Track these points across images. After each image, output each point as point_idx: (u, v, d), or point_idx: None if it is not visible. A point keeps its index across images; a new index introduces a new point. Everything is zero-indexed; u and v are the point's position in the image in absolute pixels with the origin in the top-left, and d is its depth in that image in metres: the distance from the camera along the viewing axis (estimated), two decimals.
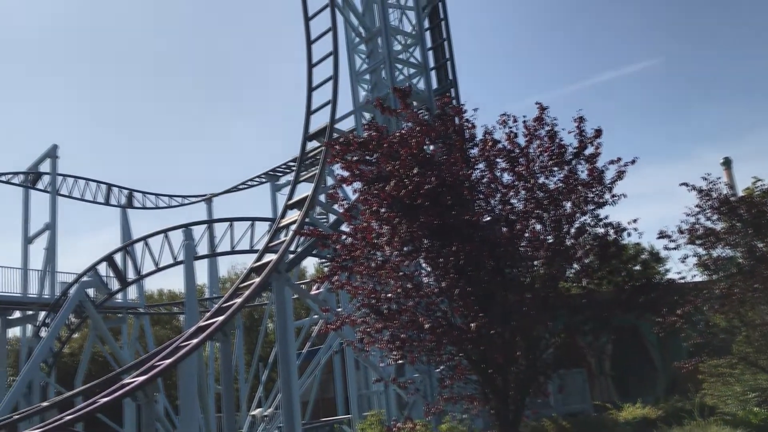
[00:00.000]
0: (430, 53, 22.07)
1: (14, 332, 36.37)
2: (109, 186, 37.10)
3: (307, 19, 21.15)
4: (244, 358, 33.94)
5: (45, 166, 33.70)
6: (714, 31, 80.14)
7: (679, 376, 18.55)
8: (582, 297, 9.62)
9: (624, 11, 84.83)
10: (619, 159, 9.51)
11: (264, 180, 37.00)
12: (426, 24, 22.20)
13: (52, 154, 33.24)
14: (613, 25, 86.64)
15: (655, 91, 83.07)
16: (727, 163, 25.89)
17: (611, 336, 10.83)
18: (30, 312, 30.17)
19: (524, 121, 9.69)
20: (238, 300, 17.67)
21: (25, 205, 33.52)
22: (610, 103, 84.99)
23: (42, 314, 28.76)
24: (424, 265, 9.87)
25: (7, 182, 33.73)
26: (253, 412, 27.96)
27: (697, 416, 14.92)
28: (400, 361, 9.72)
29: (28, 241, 33.02)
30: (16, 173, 33.98)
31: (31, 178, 33.86)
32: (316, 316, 26.72)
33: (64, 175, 34.88)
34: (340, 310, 20.83)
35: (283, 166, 35.27)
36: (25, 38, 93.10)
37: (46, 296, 30.44)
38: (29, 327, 30.41)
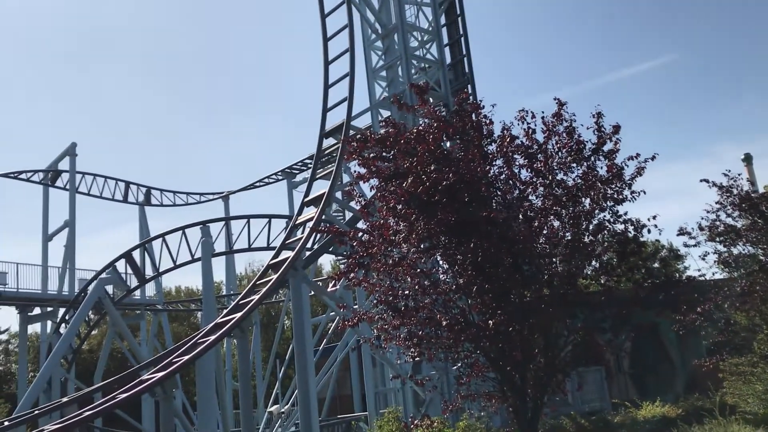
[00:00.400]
0: (447, 49, 22.00)
1: (34, 328, 36.81)
2: (127, 184, 37.37)
3: (324, 16, 21.16)
4: (261, 354, 34.06)
5: (64, 164, 34.01)
6: (732, 26, 79.21)
7: (699, 375, 18.36)
8: (601, 294, 9.54)
9: (641, 7, 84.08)
10: (638, 155, 9.40)
11: (281, 177, 37.09)
12: (443, 20, 22.14)
13: (71, 152, 33.52)
14: (629, 21, 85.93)
15: (673, 87, 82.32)
16: (747, 160, 25.54)
17: (630, 334, 10.74)
18: (50, 308, 30.49)
19: (542, 117, 9.62)
20: (255, 297, 17.72)
21: (44, 202, 33.84)
22: (628, 99, 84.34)
23: (61, 311, 29.04)
24: (441, 262, 9.83)
25: (28, 180, 34.07)
26: (270, 409, 28.07)
27: (718, 415, 14.75)
28: (417, 359, 9.66)
29: (47, 238, 33.33)
30: (36, 171, 34.33)
31: (50, 176, 34.17)
32: (332, 313, 26.74)
33: (82, 173, 35.18)
34: (356, 307, 20.86)
35: (300, 164, 35.34)
36: (44, 38, 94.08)
37: (66, 293, 30.73)
38: (49, 323, 30.74)
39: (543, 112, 9.64)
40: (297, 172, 36.17)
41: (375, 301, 9.77)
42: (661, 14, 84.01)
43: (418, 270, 9.28)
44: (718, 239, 13.79)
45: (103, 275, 26.04)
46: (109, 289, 26.54)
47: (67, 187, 33.55)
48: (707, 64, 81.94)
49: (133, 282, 27.33)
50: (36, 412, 18.07)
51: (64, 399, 19.39)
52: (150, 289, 33.91)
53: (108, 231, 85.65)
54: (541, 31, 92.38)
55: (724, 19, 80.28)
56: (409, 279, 9.37)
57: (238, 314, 17.12)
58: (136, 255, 26.58)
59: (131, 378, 17.29)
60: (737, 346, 15.30)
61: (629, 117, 79.09)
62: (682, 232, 13.58)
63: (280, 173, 36.75)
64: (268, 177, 37.71)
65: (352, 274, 9.78)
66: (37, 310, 30.85)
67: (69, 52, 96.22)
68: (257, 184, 38.68)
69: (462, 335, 8.91)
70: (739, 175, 13.95)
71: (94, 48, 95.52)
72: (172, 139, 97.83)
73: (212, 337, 16.48)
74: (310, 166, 30.21)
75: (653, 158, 9.36)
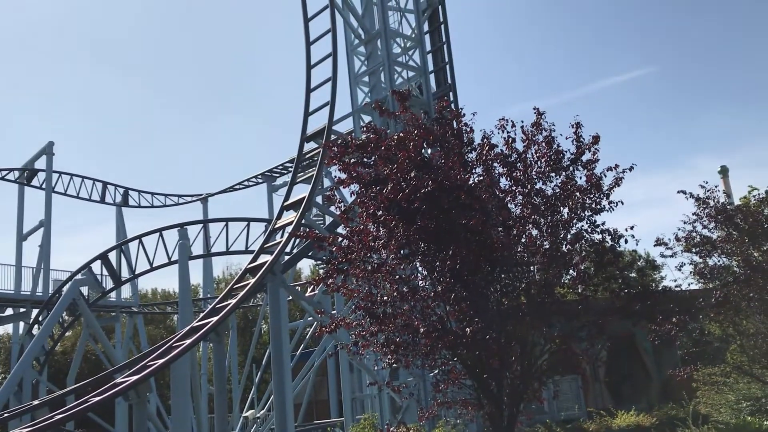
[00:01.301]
0: (430, 56, 22.06)
1: (6, 329, 36.27)
2: (105, 184, 36.99)
3: (307, 20, 21.12)
4: (237, 358, 33.87)
5: (41, 163, 33.60)
6: (709, 39, 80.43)
7: (673, 384, 18.52)
8: (578, 303, 9.61)
9: (619, 20, 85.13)
10: (617, 166, 9.49)
11: (261, 180, 36.93)
12: (425, 27, 22.20)
13: (48, 151, 33.12)
14: (608, 33, 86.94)
15: (651, 99, 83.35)
16: (724, 172, 25.93)
17: (606, 343, 10.81)
18: (23, 309, 30.05)
19: (522, 126, 9.68)
20: (233, 301, 17.61)
21: (20, 202, 33.35)
22: (607, 110, 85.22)
23: (35, 312, 28.64)
24: (420, 268, 9.83)
25: (2, 179, 33.58)
26: (245, 414, 27.89)
27: (691, 424, 14.90)
28: (394, 365, 9.64)
29: (22, 238, 32.85)
30: (11, 170, 33.85)
31: (26, 175, 33.72)
32: (310, 318, 26.65)
33: (59, 173, 34.77)
34: (334, 312, 20.79)
35: (280, 167, 35.21)
36: (22, 35, 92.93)
37: (39, 294, 30.32)
38: (21, 324, 30.29)
39: (522, 122, 9.72)
40: (277, 175, 36.04)
41: (353, 307, 9.74)
42: (639, 26, 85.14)
43: (397, 276, 9.28)
44: (694, 250, 13.91)
45: (79, 276, 25.75)
46: (84, 290, 26.26)
47: (43, 186, 33.15)
48: (685, 77, 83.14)
49: (109, 284, 27.05)
50: (6, 415, 17.78)
51: (36, 402, 19.11)
52: (126, 290, 33.60)
53: (84, 232, 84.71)
54: (522, 41, 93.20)
55: (703, 32, 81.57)
56: (387, 285, 9.36)
57: (215, 318, 17.00)
58: (113, 256, 26.32)
59: (105, 381, 17.09)
60: (711, 357, 15.46)
61: (608, 127, 79.89)
62: (659, 242, 13.70)
63: (260, 176, 36.59)
64: (247, 180, 37.54)
65: (330, 280, 9.75)
66: (9, 311, 30.39)
67: (47, 49, 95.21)
68: (237, 186, 38.49)
69: (439, 342, 8.91)
70: (715, 187, 14.10)
71: (72, 46, 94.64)
72: (151, 139, 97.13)
73: (188, 341, 16.34)
74: (290, 169, 30.11)
75: (631, 169, 9.46)
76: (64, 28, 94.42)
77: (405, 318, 9.09)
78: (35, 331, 26.79)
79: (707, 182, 13.85)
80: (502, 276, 9.34)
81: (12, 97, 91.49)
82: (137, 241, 25.62)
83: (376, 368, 17.90)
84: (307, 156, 21.88)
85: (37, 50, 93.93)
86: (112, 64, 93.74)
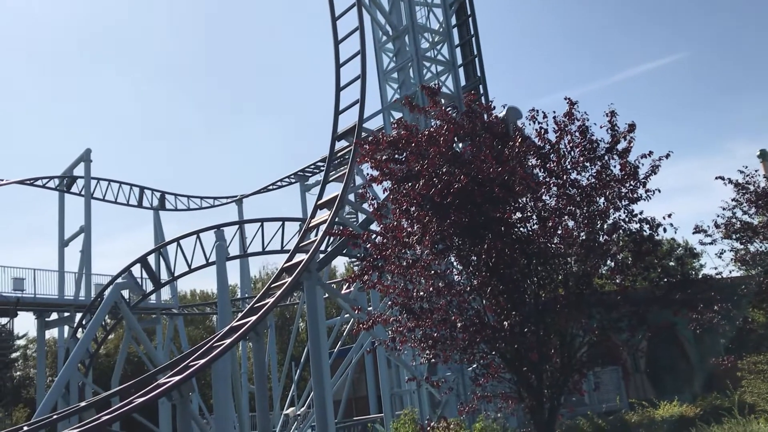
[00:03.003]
0: (458, 50, 21.97)
1: (52, 334, 37.12)
2: (142, 189, 37.62)
3: (334, 19, 21.18)
4: (276, 357, 34.23)
5: (79, 170, 34.29)
6: (744, 21, 78.52)
7: (717, 373, 18.22)
8: (616, 294, 9.48)
9: (652, 4, 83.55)
10: (651, 153, 9.32)
11: (293, 180, 37.22)
12: (453, 21, 22.11)
13: (85, 158, 33.81)
14: (641, 19, 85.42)
15: (683, 85, 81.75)
16: (763, 156, 25.26)
17: (646, 333, 10.66)
18: (67, 314, 30.76)
19: (554, 117, 9.58)
20: (270, 300, 17.77)
21: (60, 208, 34.13)
22: (641, 97, 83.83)
23: (78, 316, 29.28)
24: (455, 263, 9.81)
25: (43, 186, 34.38)
26: (286, 411, 28.16)
27: (737, 414, 14.61)
28: (432, 360, 9.65)
29: (63, 244, 33.61)
30: (51, 178, 34.62)
31: (66, 183, 34.47)
32: (347, 315, 26.79)
33: (97, 179, 35.46)
34: (371, 308, 20.87)
35: (312, 166, 35.44)
36: (58, 45, 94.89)
37: (82, 298, 30.99)
38: (66, 328, 31.00)
39: (554, 112, 9.61)
40: (309, 174, 36.28)
41: (389, 303, 9.77)
42: (672, 11, 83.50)
43: (432, 272, 9.27)
44: (734, 236, 13.67)
45: (119, 280, 26.19)
46: (125, 293, 26.70)
47: (83, 193, 33.84)
48: (719, 61, 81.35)
49: (149, 286, 27.47)
50: (54, 416, 18.20)
51: (82, 403, 19.53)
52: (165, 293, 34.16)
53: (123, 236, 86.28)
54: (551, 31, 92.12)
55: (736, 15, 79.64)
56: (423, 281, 9.37)
57: (253, 317, 17.18)
58: (151, 259, 26.72)
59: (148, 382, 17.38)
60: (755, 344, 15.16)
61: (640, 115, 78.63)
62: (697, 230, 13.48)
63: (292, 176, 36.88)
64: (281, 180, 37.85)
65: (366, 277, 9.79)
66: (54, 316, 31.15)
67: (82, 58, 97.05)
68: (270, 187, 38.83)
69: (477, 336, 8.89)
70: (755, 171, 13.82)
71: (107, 53, 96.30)
72: (185, 143, 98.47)
73: (228, 341, 16.55)
74: (322, 168, 30.28)
75: (667, 156, 9.29)
76: (98, 36, 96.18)
77: (442, 313, 9.08)
78: (79, 334, 27.36)
79: (746, 167, 13.59)
80: (539, 268, 9.27)
81: (50, 107, 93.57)
82: (175, 243, 25.98)
83: (414, 363, 17.94)
84: (339, 154, 21.98)
85: (72, 59, 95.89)
86: (145, 70, 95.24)
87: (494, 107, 10.25)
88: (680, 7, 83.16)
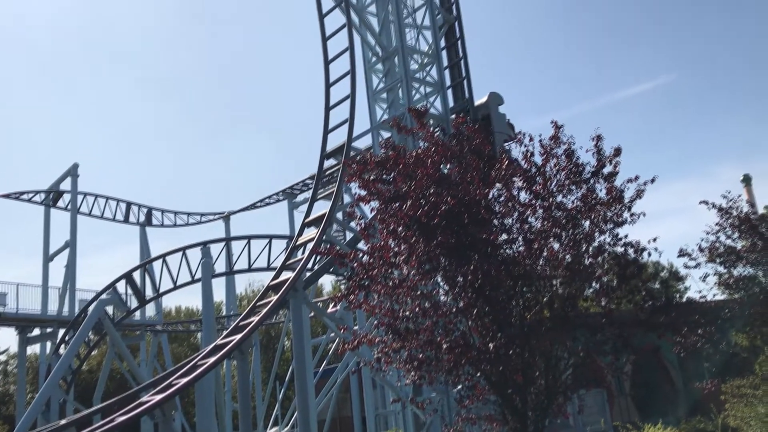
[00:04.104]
0: (447, 72, 22.15)
1: (34, 349, 36.70)
2: (129, 204, 37.43)
3: (325, 40, 21.32)
4: (261, 375, 33.94)
5: (65, 185, 34.09)
6: (729, 46, 79.78)
7: (701, 397, 18.27)
8: (601, 316, 9.53)
9: (637, 29, 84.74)
10: (637, 177, 9.45)
11: (281, 198, 37.16)
12: (442, 43, 22.31)
13: (72, 172, 33.62)
14: (627, 42, 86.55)
15: (669, 108, 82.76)
16: (747, 180, 25.66)
17: (631, 356, 10.70)
18: (49, 329, 30.39)
19: (540, 140, 9.68)
20: (255, 318, 17.69)
21: (45, 223, 33.84)
22: (627, 120, 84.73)
23: (61, 331, 28.96)
24: (441, 283, 9.83)
25: (29, 201, 34.13)
26: (270, 431, 27.90)
27: None
28: (417, 381, 9.63)
29: (48, 258, 33.31)
30: (37, 192, 34.39)
31: (52, 197, 34.23)
32: (332, 334, 26.66)
33: (84, 194, 35.26)
34: (356, 328, 20.81)
35: (301, 184, 35.43)
36: (45, 58, 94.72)
37: (66, 314, 30.66)
38: (48, 344, 30.63)
39: (540, 135, 9.73)
40: (298, 192, 36.25)
41: (375, 323, 9.76)
42: (658, 35, 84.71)
43: (419, 292, 9.29)
44: (718, 260, 13.81)
45: (104, 296, 26.01)
46: (110, 309, 26.50)
47: (69, 207, 33.61)
48: (705, 85, 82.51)
49: (134, 303, 27.28)
50: None
51: (63, 421, 19.26)
52: (150, 309, 33.85)
53: (109, 251, 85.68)
54: (538, 54, 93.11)
55: (722, 40, 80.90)
56: (409, 301, 9.37)
57: (238, 336, 17.09)
58: (137, 276, 26.56)
59: (130, 400, 17.21)
60: (738, 368, 15.24)
61: (626, 137, 79.52)
62: (682, 253, 13.62)
63: (280, 193, 36.84)
64: (269, 197, 37.80)
65: (352, 296, 9.79)
66: (36, 331, 30.75)
67: (69, 71, 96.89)
68: (258, 204, 38.76)
69: (462, 358, 8.90)
70: (738, 196, 14.03)
71: (95, 68, 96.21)
72: (173, 158, 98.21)
73: (212, 359, 16.44)
74: (310, 186, 30.27)
75: (653, 181, 9.41)
76: (87, 50, 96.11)
77: (428, 334, 9.09)
78: (62, 350, 27.08)
79: (729, 192, 13.78)
80: (525, 290, 9.32)
81: (36, 120, 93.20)
82: (161, 260, 25.86)
83: (399, 384, 17.86)
84: (327, 172, 22.01)
85: (59, 72, 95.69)
86: (134, 84, 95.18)
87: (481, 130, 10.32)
88: (665, 32, 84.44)
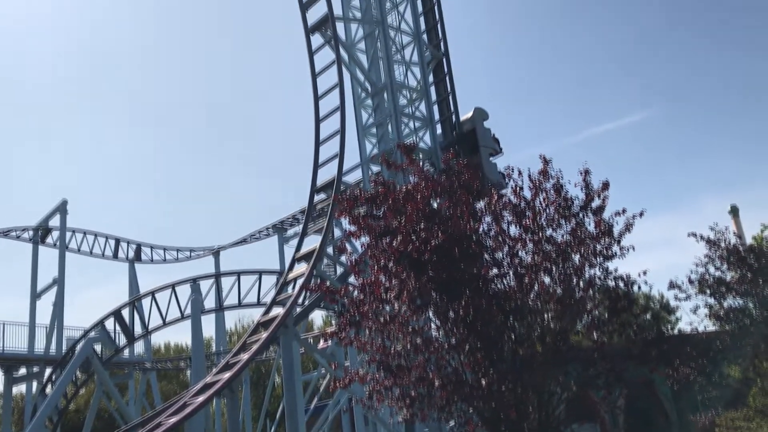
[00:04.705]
0: (435, 107, 22.36)
1: (20, 389, 36.10)
2: (118, 240, 37.28)
3: (315, 76, 21.52)
4: (251, 412, 33.51)
5: (54, 222, 33.94)
6: (710, 77, 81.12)
7: (696, 430, 18.14)
8: (593, 350, 9.51)
9: (619, 64, 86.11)
10: (624, 210, 9.54)
11: (272, 232, 37.09)
12: (431, 79, 22.56)
13: (61, 209, 33.50)
14: (609, 77, 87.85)
15: (654, 141, 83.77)
16: (734, 211, 25.86)
17: (624, 389, 10.66)
18: (36, 369, 29.96)
19: (529, 175, 9.76)
20: (246, 356, 17.52)
21: (33, 260, 33.61)
22: (611, 152, 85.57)
23: (48, 371, 28.55)
24: (433, 319, 9.79)
25: (17, 238, 33.91)
26: None
27: None
28: (410, 418, 9.52)
29: (35, 296, 32.99)
30: (26, 229, 34.21)
31: (40, 234, 34.04)
32: (324, 370, 26.41)
33: (73, 230, 35.10)
34: (347, 364, 20.62)
35: (291, 218, 35.42)
36: (34, 94, 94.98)
37: (53, 352, 30.27)
38: (35, 383, 30.16)
39: (529, 169, 9.82)
40: (288, 226, 36.21)
41: (367, 359, 9.69)
42: (639, 69, 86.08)
43: (410, 328, 9.24)
44: (708, 292, 13.84)
45: (92, 334, 25.74)
46: (98, 347, 26.20)
47: (57, 244, 33.41)
48: (687, 118, 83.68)
49: (122, 340, 26.99)
50: None
51: None
52: (139, 346, 33.49)
53: (97, 287, 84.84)
54: (525, 87, 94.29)
55: (705, 72, 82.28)
56: (401, 337, 9.32)
57: (228, 374, 16.90)
58: (125, 313, 26.32)
59: None
60: (732, 400, 15.18)
61: (612, 170, 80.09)
62: (672, 285, 13.65)
63: (271, 228, 36.78)
64: (259, 232, 37.72)
65: (343, 334, 9.73)
66: (22, 371, 30.32)
67: (58, 107, 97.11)
68: (248, 239, 38.65)
69: (455, 395, 8.83)
70: (726, 228, 14.11)
71: (83, 104, 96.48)
72: (162, 194, 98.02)
73: (201, 398, 16.23)
74: (301, 220, 30.26)
75: (641, 214, 9.51)
76: (75, 85, 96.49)
77: (420, 370, 9.02)
78: (48, 390, 26.66)
79: (717, 224, 13.88)
80: (516, 325, 9.29)
81: (25, 157, 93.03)
82: (150, 296, 25.66)
83: (392, 421, 17.65)
84: (318, 207, 22.02)
85: (47, 108, 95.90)
86: (123, 119, 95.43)
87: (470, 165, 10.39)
88: (650, 64, 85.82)
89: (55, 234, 33.81)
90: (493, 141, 21.66)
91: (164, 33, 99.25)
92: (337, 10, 21.49)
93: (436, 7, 23.06)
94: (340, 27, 21.46)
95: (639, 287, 9.44)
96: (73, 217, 35.55)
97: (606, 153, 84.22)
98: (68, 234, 34.15)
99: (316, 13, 21.39)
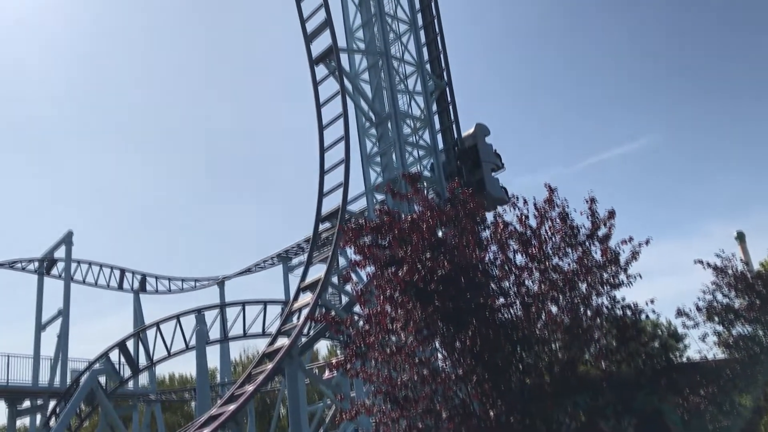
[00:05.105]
0: (439, 135, 22.50)
1: (23, 422, 35.80)
2: (123, 271, 37.31)
3: (319, 106, 21.69)
4: None
5: (60, 253, 33.98)
6: (715, 103, 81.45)
7: None
8: (602, 380, 9.41)
9: (622, 89, 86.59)
10: (631, 239, 9.51)
11: (276, 261, 37.11)
12: (434, 108, 22.72)
13: (67, 240, 33.58)
14: (613, 102, 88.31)
15: (657, 167, 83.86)
16: (740, 237, 25.74)
17: (633, 419, 10.52)
18: (40, 401, 29.76)
19: (534, 203, 9.76)
20: (251, 387, 17.40)
21: (39, 292, 33.57)
22: (616, 179, 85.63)
23: (52, 403, 28.36)
24: (440, 349, 9.72)
25: (22, 269, 33.94)
26: None
27: None
28: None
29: (40, 328, 32.91)
30: (31, 260, 34.25)
31: (45, 265, 34.07)
32: (329, 401, 26.17)
33: (78, 261, 35.14)
34: (353, 395, 20.44)
35: (296, 247, 35.45)
36: (39, 127, 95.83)
37: (57, 384, 30.09)
38: (39, 416, 29.93)
39: (534, 198, 9.81)
40: (293, 255, 36.24)
41: (373, 391, 9.59)
42: (643, 94, 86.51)
43: (417, 359, 9.16)
44: (716, 319, 13.72)
45: (96, 366, 25.62)
46: (102, 379, 26.05)
47: (62, 275, 33.42)
48: (690, 143, 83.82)
49: (127, 372, 26.85)
50: None
51: None
52: (143, 377, 33.28)
53: (102, 318, 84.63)
54: (527, 116, 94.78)
55: (706, 97, 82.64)
56: (407, 368, 9.23)
57: (233, 405, 16.77)
58: (130, 344, 26.23)
59: None
60: (744, 430, 14.93)
61: (616, 197, 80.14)
62: (680, 313, 13.53)
63: (275, 257, 36.81)
64: (263, 261, 37.76)
65: (349, 365, 9.64)
66: (26, 403, 30.10)
67: (63, 138, 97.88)
68: (253, 268, 38.66)
69: (463, 426, 8.71)
70: (732, 254, 14.03)
71: (88, 136, 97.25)
72: (168, 223, 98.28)
73: (206, 430, 16.09)
74: (305, 249, 30.26)
75: (647, 242, 9.47)
76: (80, 117, 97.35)
77: (427, 402, 8.92)
78: (52, 422, 26.46)
79: (723, 251, 13.79)
80: (524, 355, 9.21)
81: (31, 189, 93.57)
82: (155, 327, 25.59)
83: None
84: (323, 236, 22.04)
85: (52, 139, 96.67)
86: (128, 150, 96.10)
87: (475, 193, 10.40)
88: (651, 91, 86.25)
89: (61, 265, 33.84)
90: (495, 156, 21.91)
91: (167, 63, 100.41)
92: (341, 42, 21.77)
93: (438, 38, 23.33)
94: (344, 58, 21.69)
95: (647, 316, 9.37)
96: (78, 248, 35.73)
97: (610, 179, 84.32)
98: (73, 265, 34.19)
99: (320, 45, 21.69)
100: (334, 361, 13.67)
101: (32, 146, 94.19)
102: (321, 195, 20.98)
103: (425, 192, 11.52)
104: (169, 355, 25.09)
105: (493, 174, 21.70)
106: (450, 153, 22.19)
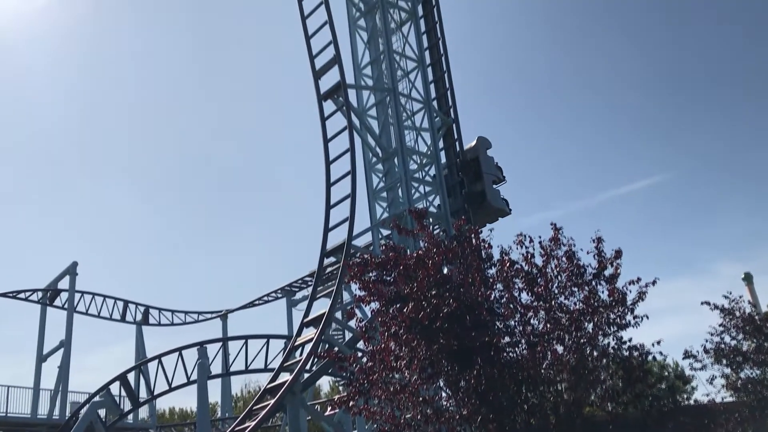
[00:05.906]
0: (446, 171, 22.58)
1: None
2: (126, 303, 37.18)
3: (326, 141, 21.81)
4: None
5: (63, 284, 33.92)
6: (723, 142, 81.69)
7: None
8: (608, 422, 9.29)
9: (631, 128, 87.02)
10: (639, 279, 9.46)
11: (280, 296, 36.93)
12: (441, 144, 22.85)
13: (71, 271, 33.51)
14: (622, 142, 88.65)
15: (666, 206, 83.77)
16: (748, 279, 25.48)
17: None
18: None
19: (540, 242, 9.74)
20: (251, 424, 17.21)
21: (41, 322, 33.42)
22: (625, 217, 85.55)
23: None
24: (444, 388, 9.61)
25: (26, 299, 33.86)
26: None
27: None
28: None
29: (41, 359, 32.69)
30: (35, 291, 34.18)
31: (49, 296, 33.99)
32: None
33: (81, 292, 35.03)
34: (356, 431, 20.15)
35: (300, 281, 35.29)
36: (43, 158, 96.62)
37: (56, 417, 29.76)
38: None
39: (540, 237, 9.80)
40: (297, 290, 36.06)
41: (376, 429, 9.47)
42: (653, 134, 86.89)
43: (421, 398, 9.06)
44: (724, 362, 13.55)
45: (96, 398, 25.34)
46: (102, 412, 25.75)
47: (66, 306, 33.30)
48: (699, 182, 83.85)
49: (127, 405, 26.55)
50: None
51: None
52: (144, 410, 32.92)
53: (104, 350, 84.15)
54: (535, 152, 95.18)
55: (715, 135, 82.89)
56: (411, 406, 9.13)
57: None
58: (131, 377, 26.01)
59: None
60: None
61: (623, 236, 79.94)
62: (687, 355, 13.37)
63: (279, 291, 36.64)
64: (267, 295, 37.57)
65: (352, 403, 9.54)
66: None
67: (68, 172, 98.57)
68: (256, 302, 38.48)
69: None
70: (740, 297, 13.90)
71: (92, 169, 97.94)
72: (172, 256, 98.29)
73: None
74: (310, 284, 30.15)
75: (654, 283, 9.41)
76: (84, 147, 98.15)
77: None
78: None
79: (731, 292, 13.68)
80: (529, 395, 9.10)
81: (35, 220, 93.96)
82: (156, 360, 25.39)
83: None
84: (327, 270, 21.97)
85: (57, 170, 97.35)
86: (132, 182, 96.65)
87: (481, 231, 10.39)
88: (662, 130, 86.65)
89: (64, 296, 33.73)
90: (497, 169, 22.17)
91: (175, 94, 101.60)
92: (350, 79, 21.97)
93: (446, 76, 23.56)
94: (351, 94, 21.88)
95: (654, 358, 9.27)
96: (82, 279, 35.69)
97: (617, 217, 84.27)
98: (77, 296, 34.08)
99: (328, 81, 21.89)
100: (336, 397, 13.53)
101: (38, 177, 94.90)
102: (326, 229, 20.96)
103: (431, 228, 11.50)
104: (171, 388, 24.84)
105: (494, 186, 22.04)
106: (456, 189, 22.24)
